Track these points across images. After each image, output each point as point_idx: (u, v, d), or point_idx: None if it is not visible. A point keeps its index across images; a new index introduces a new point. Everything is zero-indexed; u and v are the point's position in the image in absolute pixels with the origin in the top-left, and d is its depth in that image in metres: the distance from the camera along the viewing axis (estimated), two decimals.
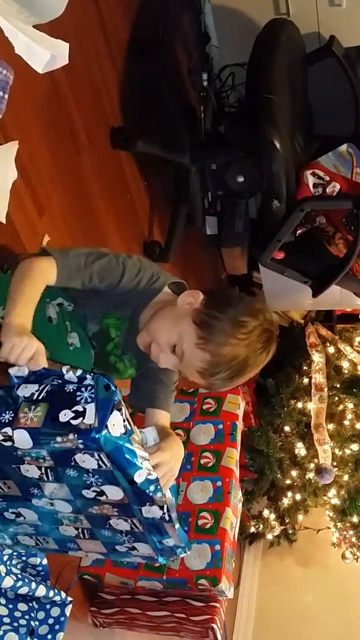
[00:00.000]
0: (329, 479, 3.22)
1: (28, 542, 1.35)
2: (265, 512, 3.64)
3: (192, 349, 1.29)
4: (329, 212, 2.50)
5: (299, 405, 3.53)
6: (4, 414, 1.07)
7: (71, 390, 1.07)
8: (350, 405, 3.53)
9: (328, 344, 3.74)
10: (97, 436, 1.01)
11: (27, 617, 1.60)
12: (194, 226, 2.93)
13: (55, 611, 1.66)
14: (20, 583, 1.55)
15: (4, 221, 1.61)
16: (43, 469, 1.12)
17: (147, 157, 2.61)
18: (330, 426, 3.44)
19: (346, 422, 3.49)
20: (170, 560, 1.32)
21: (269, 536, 3.67)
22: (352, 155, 2.57)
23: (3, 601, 1.60)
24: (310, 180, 2.44)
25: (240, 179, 2.59)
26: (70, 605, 1.71)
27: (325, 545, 3.65)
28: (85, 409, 1.04)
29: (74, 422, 1.03)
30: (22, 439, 1.06)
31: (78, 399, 1.05)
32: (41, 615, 1.63)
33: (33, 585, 1.58)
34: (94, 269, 1.31)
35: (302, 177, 2.44)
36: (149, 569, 2.23)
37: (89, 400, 1.05)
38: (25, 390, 1.09)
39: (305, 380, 3.60)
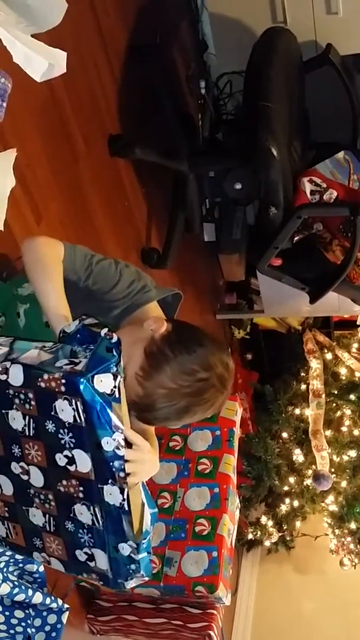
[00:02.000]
0: (326, 486, 3.22)
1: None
2: (263, 519, 3.64)
3: (132, 378, 1.24)
4: (326, 219, 2.51)
5: (297, 411, 3.53)
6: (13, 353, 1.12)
7: (76, 350, 1.11)
8: (348, 412, 3.53)
9: (326, 351, 3.75)
10: (80, 379, 1.04)
11: (23, 624, 1.60)
12: (191, 233, 2.94)
13: (52, 618, 1.65)
14: (16, 590, 1.54)
15: (1, 228, 1.62)
16: (27, 419, 1.14)
17: (145, 164, 2.62)
18: (328, 432, 3.44)
19: (344, 429, 3.49)
20: (122, 584, 1.23)
21: (267, 543, 3.67)
22: (349, 162, 2.58)
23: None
24: (308, 188, 2.45)
25: (238, 186, 2.60)
26: (67, 613, 1.70)
27: (323, 552, 3.64)
28: (80, 361, 1.08)
29: (66, 367, 1.07)
30: (16, 375, 1.10)
31: (79, 356, 1.09)
32: (38, 622, 1.62)
33: (30, 592, 1.58)
34: (94, 270, 1.32)
35: (300, 184, 2.45)
36: None
37: (87, 354, 1.08)
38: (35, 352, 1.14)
39: (303, 386, 3.61)
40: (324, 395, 3.49)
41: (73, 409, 1.08)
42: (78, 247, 1.32)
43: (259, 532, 3.62)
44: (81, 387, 1.04)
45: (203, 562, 2.21)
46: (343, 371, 3.68)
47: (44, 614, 1.64)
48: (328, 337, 3.85)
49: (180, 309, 1.47)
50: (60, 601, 1.65)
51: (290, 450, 3.50)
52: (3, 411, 1.16)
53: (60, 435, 1.13)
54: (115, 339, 1.09)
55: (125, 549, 1.19)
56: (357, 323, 3.92)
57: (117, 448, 1.10)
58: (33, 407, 1.12)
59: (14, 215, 1.74)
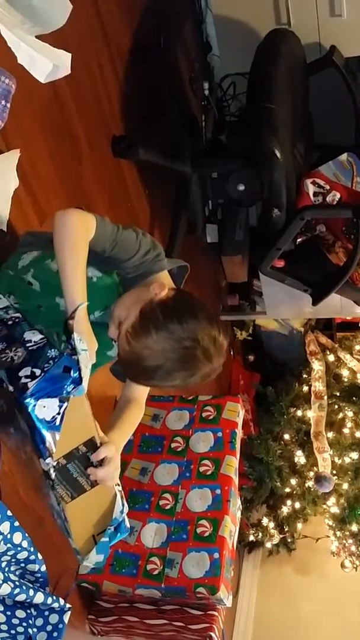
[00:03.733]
0: (328, 488, 3.22)
1: None
2: (265, 521, 3.64)
3: (123, 333, 1.31)
4: (329, 221, 2.51)
5: (299, 413, 3.53)
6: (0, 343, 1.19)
7: (50, 355, 1.17)
8: (350, 414, 3.53)
9: (328, 352, 3.75)
10: (24, 401, 1.11)
11: (24, 624, 1.60)
12: (194, 234, 2.94)
13: (54, 618, 1.65)
14: (18, 590, 1.54)
15: (5, 228, 1.62)
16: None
17: (148, 166, 2.62)
18: (330, 434, 3.44)
19: (346, 430, 3.49)
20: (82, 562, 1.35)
21: (268, 544, 3.66)
22: (352, 164, 2.58)
23: (1, 608, 1.60)
24: (311, 189, 2.45)
25: (241, 188, 2.60)
26: (69, 612, 1.70)
27: (324, 554, 3.64)
28: (38, 376, 1.14)
29: (23, 380, 1.13)
30: None
31: (46, 364, 1.15)
32: (39, 622, 1.62)
33: (31, 592, 1.58)
34: (119, 242, 1.37)
35: (303, 185, 2.45)
36: (147, 577, 2.22)
37: (46, 370, 1.14)
38: (30, 335, 1.21)
39: (305, 388, 3.61)
40: (325, 397, 3.49)
41: (24, 422, 1.15)
42: (106, 219, 1.37)
43: (260, 534, 3.62)
44: (27, 408, 1.11)
45: (204, 564, 2.21)
46: (345, 373, 3.68)
47: (46, 613, 1.64)
48: (330, 339, 3.86)
49: None
50: (62, 601, 1.65)
51: (292, 452, 3.50)
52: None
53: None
54: (76, 358, 1.14)
55: (71, 543, 1.33)
56: None
57: (50, 470, 1.18)
58: (6, 410, 1.21)
59: (17, 215, 1.74)
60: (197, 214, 2.84)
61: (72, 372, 1.12)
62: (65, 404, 1.12)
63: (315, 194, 2.45)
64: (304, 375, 3.68)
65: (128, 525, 1.35)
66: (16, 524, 1.54)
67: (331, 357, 3.72)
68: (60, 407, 1.12)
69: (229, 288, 3.88)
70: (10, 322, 1.25)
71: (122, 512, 1.29)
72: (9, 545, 1.53)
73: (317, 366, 3.61)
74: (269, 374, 4.04)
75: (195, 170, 2.67)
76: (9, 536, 1.52)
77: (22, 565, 1.61)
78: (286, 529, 3.64)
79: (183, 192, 2.76)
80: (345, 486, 3.43)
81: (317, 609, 3.68)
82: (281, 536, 3.64)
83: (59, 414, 1.12)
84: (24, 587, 1.57)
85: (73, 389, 1.13)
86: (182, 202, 2.78)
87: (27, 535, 1.58)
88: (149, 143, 2.55)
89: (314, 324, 3.96)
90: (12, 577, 1.56)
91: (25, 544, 1.57)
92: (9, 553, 1.55)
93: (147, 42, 2.68)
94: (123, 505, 1.30)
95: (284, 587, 3.82)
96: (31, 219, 1.89)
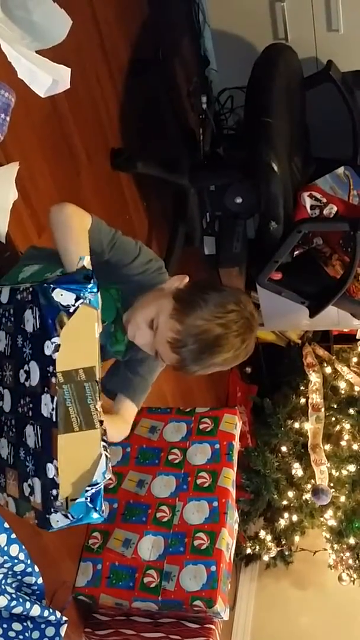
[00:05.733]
0: (325, 500, 3.21)
1: None
2: (262, 533, 3.62)
3: (166, 320, 1.32)
4: (326, 234, 2.52)
5: (296, 425, 3.53)
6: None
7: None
8: (347, 426, 3.53)
9: (325, 364, 3.75)
10: (42, 285, 1.11)
11: (21, 636, 1.59)
12: (192, 246, 2.95)
13: (50, 631, 1.64)
14: (14, 603, 1.54)
15: (3, 241, 1.63)
16: (7, 337, 1.21)
17: (147, 178, 2.64)
18: (327, 447, 3.43)
19: (343, 443, 3.49)
20: (48, 520, 1.12)
21: (265, 557, 3.65)
22: (349, 177, 2.60)
23: None
24: (308, 202, 2.46)
25: (239, 200, 2.62)
26: (66, 625, 1.70)
27: (321, 567, 3.63)
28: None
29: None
30: (4, 294, 1.21)
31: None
32: (36, 634, 1.62)
33: (27, 604, 1.57)
34: (117, 243, 1.39)
35: (300, 199, 2.46)
36: (144, 590, 2.22)
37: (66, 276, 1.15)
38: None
39: (302, 400, 3.61)
40: (323, 409, 3.48)
41: (33, 317, 1.13)
42: (103, 221, 1.39)
43: (257, 547, 3.60)
44: (39, 292, 1.11)
45: (201, 577, 2.20)
46: (342, 385, 3.68)
47: (42, 626, 1.64)
48: (327, 351, 3.86)
49: None
50: (58, 614, 1.65)
51: (290, 464, 3.50)
52: None
53: (24, 349, 1.17)
54: (91, 271, 1.14)
55: (50, 470, 1.12)
56: (357, 337, 3.93)
57: (54, 352, 1.10)
58: (11, 323, 1.19)
59: (16, 227, 1.75)
60: (194, 226, 2.86)
61: (91, 281, 1.12)
62: (81, 302, 1.10)
63: (313, 207, 2.46)
64: (301, 388, 3.68)
65: (105, 508, 1.17)
66: (13, 536, 1.54)
67: (328, 370, 3.72)
68: (76, 301, 1.10)
69: None
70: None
71: (104, 474, 1.13)
72: (5, 557, 1.53)
73: (314, 378, 3.61)
74: (266, 385, 4.04)
75: (193, 183, 2.68)
76: (5, 548, 1.52)
77: (19, 577, 1.61)
78: (283, 542, 3.62)
79: (181, 204, 2.77)
80: (342, 499, 3.43)
81: (314, 622, 3.67)
82: (278, 549, 3.63)
83: (74, 305, 1.11)
84: (21, 600, 1.56)
85: (89, 297, 1.11)
86: (180, 214, 2.80)
87: (24, 547, 1.58)
88: (147, 156, 2.57)
89: (311, 336, 3.97)
90: (8, 589, 1.56)
91: (22, 556, 1.57)
92: (5, 565, 1.55)
93: (146, 56, 2.70)
94: (107, 468, 1.13)
95: (281, 600, 3.81)
96: (30, 231, 1.90)
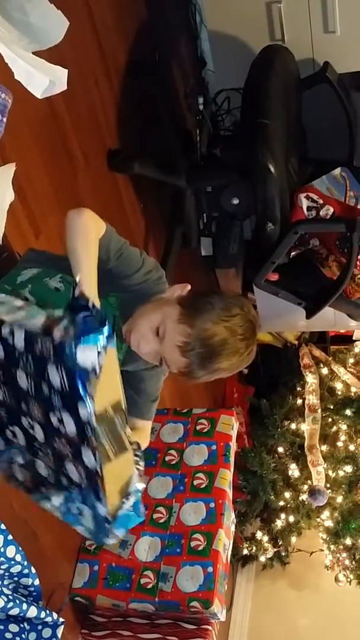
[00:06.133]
0: (322, 501, 3.21)
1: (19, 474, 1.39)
2: (258, 534, 3.62)
3: (174, 325, 1.32)
4: (323, 235, 2.53)
5: (293, 426, 3.53)
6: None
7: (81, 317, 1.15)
8: (344, 427, 3.53)
9: (322, 365, 3.76)
10: (65, 346, 1.10)
11: (18, 638, 1.59)
12: (189, 247, 2.95)
13: (47, 632, 1.64)
14: (11, 604, 1.54)
15: (0, 242, 1.63)
16: (29, 378, 1.20)
17: (143, 179, 2.64)
18: (324, 447, 3.44)
19: (339, 444, 3.49)
20: (103, 539, 1.31)
21: (262, 558, 3.65)
22: (346, 179, 2.60)
23: None
24: (304, 204, 2.46)
25: (235, 202, 2.62)
26: (62, 627, 1.70)
27: (318, 568, 3.63)
28: (72, 328, 1.12)
29: (57, 333, 1.11)
30: (19, 339, 1.16)
31: (76, 321, 1.14)
32: (32, 636, 1.62)
33: (24, 606, 1.57)
34: (124, 254, 1.39)
35: (296, 200, 2.46)
36: (141, 591, 2.22)
37: (80, 323, 1.12)
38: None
39: (299, 401, 3.61)
40: (319, 410, 3.49)
41: (59, 375, 1.13)
42: (115, 231, 1.39)
43: (254, 548, 3.60)
44: (66, 353, 1.09)
45: (198, 578, 2.21)
46: (339, 386, 3.68)
47: (39, 627, 1.64)
48: (324, 352, 3.86)
49: None
50: (55, 615, 1.65)
51: (286, 465, 3.50)
52: (13, 369, 1.22)
53: (52, 399, 1.18)
54: (103, 313, 1.13)
55: (100, 508, 1.23)
56: (353, 338, 3.93)
57: (91, 417, 1.13)
58: (32, 369, 1.18)
59: (12, 228, 1.75)
60: (191, 227, 2.86)
61: (105, 326, 1.12)
62: (104, 353, 1.11)
63: (309, 209, 2.46)
64: (298, 388, 3.69)
65: (143, 509, 1.32)
66: (9, 537, 1.54)
67: (325, 370, 3.73)
68: (98, 355, 1.11)
69: None
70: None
71: (138, 487, 1.27)
72: (2, 558, 1.53)
73: (310, 379, 3.62)
74: (263, 386, 4.05)
75: (190, 184, 2.68)
76: (2, 550, 1.52)
77: (16, 579, 1.61)
78: (280, 543, 3.62)
79: (178, 205, 2.77)
80: (339, 499, 3.43)
81: (310, 622, 3.67)
82: (275, 550, 3.63)
83: (98, 363, 1.11)
84: (17, 601, 1.56)
85: (107, 343, 1.11)
86: (177, 215, 2.80)
87: (20, 549, 1.58)
88: (144, 157, 2.57)
89: (308, 337, 3.97)
90: (5, 591, 1.56)
91: (18, 557, 1.57)
92: (2, 567, 1.55)
93: (143, 58, 2.70)
94: (139, 479, 1.29)
95: (277, 600, 3.81)
96: (27, 232, 1.90)
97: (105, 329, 1.11)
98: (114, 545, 2.30)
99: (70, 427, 1.18)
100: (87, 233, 1.30)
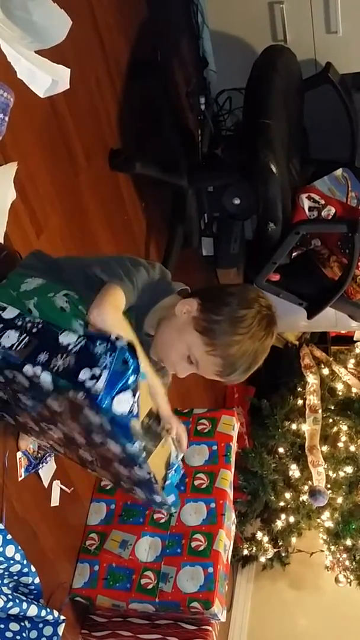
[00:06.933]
0: (322, 502, 3.21)
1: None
2: (259, 535, 3.62)
3: (205, 357, 1.38)
4: (324, 235, 2.53)
5: (293, 426, 3.53)
6: (41, 354, 1.18)
7: (99, 352, 1.16)
8: (345, 427, 3.53)
9: (322, 366, 3.75)
10: (101, 402, 1.12)
11: (18, 637, 1.59)
12: (190, 247, 2.95)
13: (48, 630, 1.64)
14: (10, 604, 1.54)
15: (1, 241, 1.63)
16: (62, 407, 1.23)
17: (145, 179, 2.63)
18: (325, 448, 3.43)
19: (340, 444, 3.49)
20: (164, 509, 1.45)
21: (262, 559, 3.65)
22: (347, 179, 2.60)
23: None
24: (306, 204, 2.46)
25: (237, 202, 2.62)
26: (63, 624, 1.70)
27: (318, 569, 3.63)
28: (101, 375, 1.13)
29: (88, 383, 1.13)
30: (45, 381, 1.17)
31: (100, 361, 1.15)
32: (34, 634, 1.62)
33: (24, 605, 1.57)
34: (138, 288, 1.40)
35: (298, 200, 2.46)
36: (141, 592, 2.21)
37: (107, 367, 1.14)
38: (65, 338, 1.20)
39: (300, 401, 3.61)
40: (320, 411, 3.48)
41: (99, 418, 1.17)
42: (126, 282, 1.37)
43: (254, 548, 3.60)
44: (103, 407, 1.12)
45: (199, 578, 2.20)
46: (340, 387, 3.68)
47: (40, 626, 1.64)
48: (325, 353, 3.86)
49: None
50: (56, 612, 1.65)
51: (287, 465, 3.49)
52: (42, 399, 1.25)
53: (92, 430, 1.23)
54: (126, 347, 1.15)
55: (157, 498, 1.39)
56: (354, 339, 3.93)
57: (140, 451, 1.21)
58: (65, 407, 1.22)
59: (14, 228, 1.75)
60: (193, 227, 2.86)
61: (129, 362, 1.14)
62: (138, 393, 1.15)
63: (311, 209, 2.46)
64: (299, 389, 3.68)
65: (182, 468, 1.41)
66: (8, 537, 1.54)
67: (326, 371, 3.72)
68: (133, 396, 1.14)
69: None
70: (35, 330, 1.24)
71: (177, 456, 1.37)
72: (1, 558, 1.53)
73: (311, 380, 3.61)
74: (263, 387, 4.04)
75: (192, 184, 2.68)
76: (1, 549, 1.52)
77: (15, 578, 1.61)
78: (280, 543, 3.62)
79: (179, 205, 2.77)
80: (339, 500, 3.43)
81: (311, 623, 3.67)
82: (275, 550, 3.63)
83: (134, 405, 1.15)
84: (17, 600, 1.56)
85: (136, 377, 1.15)
86: (178, 215, 2.80)
87: (20, 548, 1.58)
88: (145, 157, 2.56)
89: (309, 338, 3.97)
90: (5, 590, 1.56)
91: (18, 556, 1.57)
92: (1, 566, 1.55)
93: (145, 57, 2.70)
94: (177, 449, 1.38)
95: (278, 601, 3.80)
96: (28, 231, 1.90)
97: (131, 364, 1.14)
98: (114, 545, 2.30)
99: (116, 450, 1.24)
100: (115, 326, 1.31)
